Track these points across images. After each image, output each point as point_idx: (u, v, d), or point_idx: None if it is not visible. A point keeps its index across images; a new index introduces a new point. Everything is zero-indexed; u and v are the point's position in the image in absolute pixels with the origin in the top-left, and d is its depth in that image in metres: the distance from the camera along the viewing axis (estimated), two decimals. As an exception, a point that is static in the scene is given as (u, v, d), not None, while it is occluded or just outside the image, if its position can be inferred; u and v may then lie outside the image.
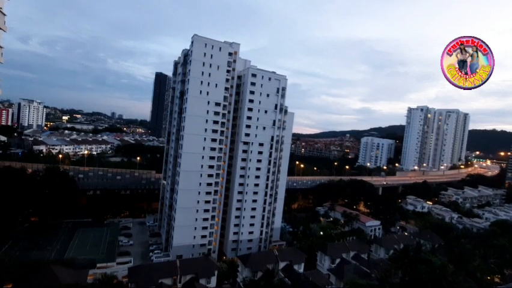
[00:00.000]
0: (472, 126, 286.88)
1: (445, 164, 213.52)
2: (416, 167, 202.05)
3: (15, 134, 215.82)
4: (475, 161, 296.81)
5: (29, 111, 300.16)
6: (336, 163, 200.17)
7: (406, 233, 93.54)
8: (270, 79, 76.20)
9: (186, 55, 72.93)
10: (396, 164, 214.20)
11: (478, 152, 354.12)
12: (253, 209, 76.67)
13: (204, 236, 70.78)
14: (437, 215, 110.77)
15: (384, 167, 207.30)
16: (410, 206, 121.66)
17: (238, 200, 75.14)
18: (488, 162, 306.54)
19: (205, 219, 70.75)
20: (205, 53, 67.68)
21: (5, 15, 23.01)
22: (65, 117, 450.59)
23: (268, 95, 76.03)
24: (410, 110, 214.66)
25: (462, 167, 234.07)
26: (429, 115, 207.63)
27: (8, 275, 41.71)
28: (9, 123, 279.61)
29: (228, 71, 71.36)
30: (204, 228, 70.72)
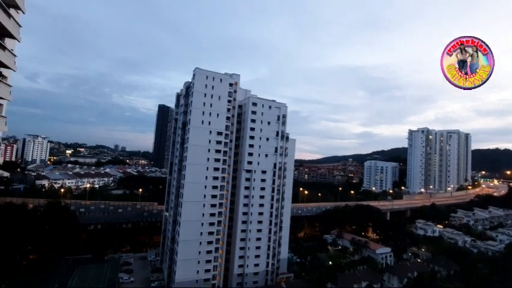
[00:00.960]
0: (475, 146, 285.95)
1: (452, 185, 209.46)
2: (422, 190, 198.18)
3: (19, 169, 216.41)
4: (481, 181, 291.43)
5: (33, 147, 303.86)
6: (340, 188, 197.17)
7: (419, 260, 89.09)
8: (270, 107, 77.65)
9: (188, 87, 75.20)
10: (402, 187, 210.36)
11: (483, 172, 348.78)
12: (258, 239, 74.11)
13: (207, 270, 67.65)
14: (450, 239, 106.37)
15: (390, 191, 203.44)
16: (420, 231, 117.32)
17: (243, 230, 72.91)
18: (496, 181, 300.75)
19: (209, 252, 68.11)
20: (206, 85, 69.76)
21: (15, 56, 24.02)
22: (68, 151, 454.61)
23: (269, 123, 76.99)
24: (411, 132, 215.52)
25: (469, 187, 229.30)
26: (430, 136, 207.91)
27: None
28: (13, 158, 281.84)
29: (229, 101, 72.99)
30: (208, 261, 67.84)
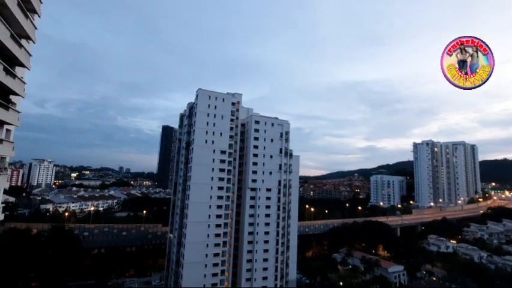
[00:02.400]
0: (482, 157, 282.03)
1: (462, 198, 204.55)
2: (432, 203, 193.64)
3: (24, 194, 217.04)
4: (492, 193, 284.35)
5: (39, 171, 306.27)
6: (347, 204, 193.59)
7: (434, 278, 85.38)
8: (273, 124, 78.10)
9: (191, 107, 76.32)
10: (411, 202, 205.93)
11: (493, 183, 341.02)
12: (265, 259, 71.94)
13: (214, 294, 65.32)
14: (465, 255, 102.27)
15: (399, 206, 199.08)
16: (433, 247, 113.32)
17: (249, 251, 70.98)
18: (507, 193, 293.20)
19: (215, 275, 66.04)
20: (209, 105, 70.81)
21: (24, 83, 24.72)
22: (73, 174, 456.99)
23: (272, 140, 77.13)
24: (415, 145, 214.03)
25: (480, 200, 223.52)
26: (435, 149, 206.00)
27: None
28: (19, 183, 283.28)
29: (231, 120, 73.69)
30: (214, 284, 65.64)
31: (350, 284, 76.57)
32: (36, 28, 24.95)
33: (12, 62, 23.08)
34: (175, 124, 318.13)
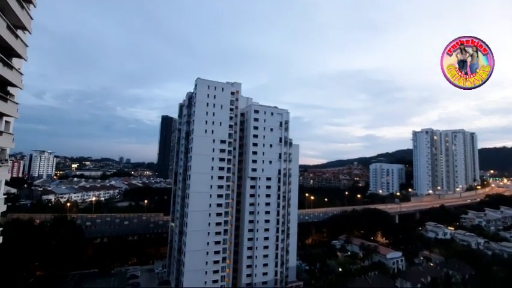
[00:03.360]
0: (481, 145, 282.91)
1: (460, 186, 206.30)
2: (430, 191, 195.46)
3: (25, 185, 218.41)
4: (491, 180, 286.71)
5: (39, 162, 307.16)
6: (347, 192, 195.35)
7: (432, 264, 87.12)
8: (272, 114, 77.86)
9: (191, 97, 75.87)
10: (409, 189, 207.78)
11: (492, 171, 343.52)
12: (266, 247, 73.24)
13: (215, 281, 66.80)
14: (462, 242, 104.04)
15: (398, 193, 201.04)
16: (431, 233, 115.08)
17: (249, 239, 72.18)
18: (505, 180, 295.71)
19: (216, 262, 67.38)
20: (208, 94, 70.38)
21: (22, 74, 24.49)
22: (74, 165, 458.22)
23: (272, 129, 77.08)
24: (415, 133, 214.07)
25: (478, 187, 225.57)
26: (435, 137, 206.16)
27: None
28: (20, 174, 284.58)
29: (231, 109, 73.40)
30: (215, 271, 67.02)
31: (348, 270, 78.18)
32: (32, 18, 24.50)
33: (8, 53, 22.77)
34: (174, 114, 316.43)
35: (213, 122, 70.14)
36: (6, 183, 26.00)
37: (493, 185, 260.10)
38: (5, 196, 24.82)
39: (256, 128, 75.00)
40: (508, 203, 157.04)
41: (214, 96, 70.89)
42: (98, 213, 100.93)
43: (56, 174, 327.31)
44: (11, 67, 22.70)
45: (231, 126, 72.82)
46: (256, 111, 75.67)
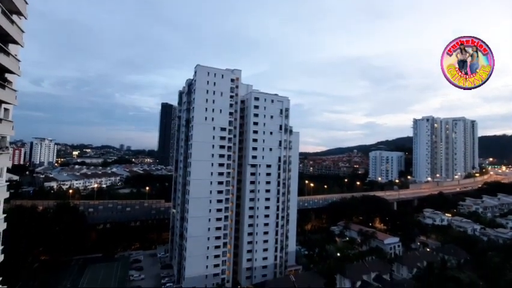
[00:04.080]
0: (481, 132, 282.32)
1: (459, 173, 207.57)
2: (429, 179, 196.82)
3: (27, 172, 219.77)
4: (489, 168, 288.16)
5: (40, 149, 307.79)
6: (346, 180, 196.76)
7: (428, 249, 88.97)
8: (272, 101, 77.37)
9: (190, 84, 75.16)
10: (408, 177, 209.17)
11: (491, 159, 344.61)
12: (266, 232, 74.59)
13: (216, 265, 68.46)
14: (459, 228, 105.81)
15: (396, 181, 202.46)
16: (428, 220, 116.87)
17: (250, 225, 73.40)
18: (504, 168, 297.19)
19: (217, 247, 68.82)
20: (208, 81, 69.69)
21: (19, 61, 24.18)
22: (75, 153, 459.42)
23: (272, 117, 76.81)
24: (415, 121, 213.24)
25: (477, 175, 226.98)
26: (435, 125, 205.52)
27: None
28: (22, 162, 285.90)
29: (231, 97, 72.87)
30: (216, 256, 68.59)
31: (347, 255, 79.93)
32: (27, 3, 23.93)
33: (4, 40, 22.39)
34: (174, 101, 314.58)
35: (213, 110, 69.79)
36: (8, 171, 26.20)
37: (491, 173, 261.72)
38: (8, 183, 25.05)
39: (256, 115, 74.73)
40: (505, 191, 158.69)
41: (214, 83, 70.21)
42: (101, 200, 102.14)
43: (57, 162, 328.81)
44: (7, 53, 22.38)
45: (231, 113, 72.52)
46: (257, 99, 75.17)
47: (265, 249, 74.26)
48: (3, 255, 23.13)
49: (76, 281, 68.21)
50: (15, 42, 23.37)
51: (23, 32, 24.03)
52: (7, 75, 23.46)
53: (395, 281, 63.62)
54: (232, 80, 73.45)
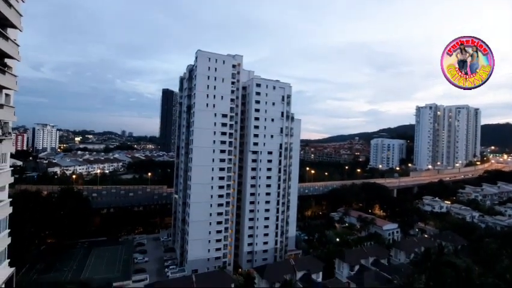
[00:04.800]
0: (484, 121, 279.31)
1: (460, 161, 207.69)
2: (430, 166, 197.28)
3: (31, 157, 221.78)
4: (491, 156, 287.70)
5: (43, 135, 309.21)
6: (347, 167, 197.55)
7: (426, 235, 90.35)
8: (274, 88, 76.66)
9: (191, 70, 74.32)
10: (409, 164, 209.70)
11: (493, 147, 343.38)
12: (266, 218, 75.84)
13: (218, 249, 70.13)
14: (457, 215, 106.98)
15: (397, 168, 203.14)
16: (427, 207, 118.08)
17: (251, 210, 74.55)
18: (505, 156, 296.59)
19: (219, 232, 70.26)
20: (209, 67, 68.85)
21: (18, 45, 23.91)
22: (77, 139, 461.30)
23: (273, 104, 76.34)
24: (418, 108, 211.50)
25: (478, 163, 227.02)
26: (438, 112, 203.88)
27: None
28: (25, 147, 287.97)
29: (232, 83, 72.20)
30: (218, 240, 70.14)
31: (345, 240, 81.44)
32: (23, -16, 23.36)
33: (2, 24, 22.04)
34: (175, 87, 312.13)
35: (214, 96, 69.35)
36: (12, 156, 26.43)
37: (492, 161, 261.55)
38: (12, 168, 25.34)
39: (258, 102, 74.29)
40: (506, 179, 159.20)
41: (215, 69, 69.40)
42: (104, 185, 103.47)
43: (59, 147, 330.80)
44: (6, 38, 22.09)
45: (232, 100, 72.09)
46: (258, 85, 74.47)
47: (266, 234, 75.73)
48: (10, 238, 23.74)
49: (81, 262, 70.14)
50: (13, 26, 23.02)
51: (21, 15, 23.62)
52: (6, 60, 23.26)
53: (392, 265, 65.01)
54: (233, 66, 72.54)
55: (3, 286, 22.40)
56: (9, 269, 23.60)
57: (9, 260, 23.71)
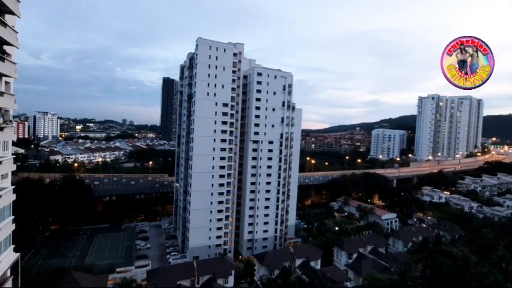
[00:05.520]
0: (487, 112, 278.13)
1: (461, 152, 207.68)
2: (430, 157, 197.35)
3: (32, 145, 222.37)
4: (491, 148, 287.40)
5: (44, 123, 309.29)
6: (347, 157, 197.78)
7: (424, 225, 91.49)
8: (275, 77, 75.93)
9: (192, 58, 73.51)
10: (410, 155, 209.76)
11: (494, 139, 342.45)
12: (267, 207, 76.69)
13: (219, 237, 71.30)
14: (456, 205, 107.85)
15: (397, 159, 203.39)
16: (426, 197, 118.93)
17: (251, 199, 75.29)
18: (506, 148, 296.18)
19: (219, 220, 71.25)
20: (210, 55, 68.04)
21: (17, 32, 23.62)
22: (78, 127, 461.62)
23: (274, 93, 75.83)
24: (420, 99, 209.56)
25: (478, 154, 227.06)
26: (441, 103, 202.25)
27: (31, 283, 42.93)
28: (26, 135, 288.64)
29: (233, 72, 71.54)
30: (219, 228, 71.22)
31: (344, 229, 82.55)
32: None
33: (0, 10, 21.67)
34: (175, 76, 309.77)
35: (215, 85, 68.85)
36: (13, 144, 26.56)
37: (493, 152, 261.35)
38: (14, 156, 25.50)
39: (259, 91, 73.77)
40: (505, 170, 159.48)
41: (216, 58, 68.60)
42: (105, 174, 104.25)
43: (61, 136, 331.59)
44: (4, 24, 21.77)
45: (233, 89, 71.62)
46: (259, 74, 73.75)
47: (266, 223, 76.77)
48: (14, 225, 24.16)
49: (85, 248, 71.62)
50: (11, 12, 22.64)
51: (18, 1, 23.20)
52: (5, 47, 23.01)
53: (390, 254, 66.12)
54: (234, 55, 71.67)
55: (9, 270, 22.98)
56: (14, 254, 24.12)
57: (14, 245, 24.20)
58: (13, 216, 23.98)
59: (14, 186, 24.29)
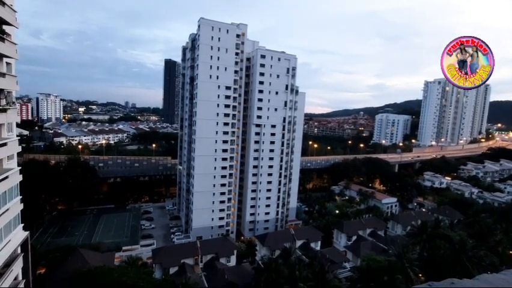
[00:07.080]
0: (494, 97, 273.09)
1: (464, 138, 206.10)
2: (433, 143, 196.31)
3: (36, 127, 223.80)
4: (496, 134, 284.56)
5: (47, 105, 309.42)
6: (350, 142, 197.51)
7: (424, 209, 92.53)
8: (279, 59, 74.54)
9: (194, 40, 72.08)
10: (413, 140, 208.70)
11: (499, 124, 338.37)
12: (269, 190, 77.69)
13: (221, 218, 72.89)
14: (456, 191, 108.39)
15: (400, 144, 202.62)
16: (427, 182, 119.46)
17: (253, 182, 76.18)
18: (511, 134, 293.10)
19: (222, 202, 72.56)
20: (212, 37, 66.60)
21: (15, 11, 23.19)
22: (81, 109, 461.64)
23: (278, 76, 74.71)
24: (426, 83, 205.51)
25: (482, 140, 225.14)
26: (447, 88, 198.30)
27: (41, 260, 44.60)
28: (30, 117, 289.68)
29: (236, 54, 70.24)
30: (221, 210, 72.68)
31: (345, 213, 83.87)
32: None
33: (-3, -14, 21.15)
34: (177, 58, 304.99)
35: (218, 67, 67.88)
36: (17, 126, 26.74)
37: (497, 139, 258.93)
38: (19, 138, 25.77)
39: (262, 74, 72.67)
40: (509, 156, 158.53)
41: (219, 39, 67.17)
42: (110, 156, 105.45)
43: (64, 118, 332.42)
44: (3, 3, 21.34)
45: (236, 71, 70.63)
46: (263, 56, 72.37)
47: (268, 205, 78.08)
48: (22, 204, 24.82)
49: (91, 228, 73.85)
50: (9, -10, 22.12)
51: (16, -22, 22.60)
52: (5, 27, 22.66)
53: (388, 237, 67.47)
54: (237, 36, 70.09)
55: (19, 248, 23.89)
56: (23, 232, 24.96)
57: (23, 224, 24.99)
58: (21, 196, 24.59)
59: (20, 167, 24.72)
